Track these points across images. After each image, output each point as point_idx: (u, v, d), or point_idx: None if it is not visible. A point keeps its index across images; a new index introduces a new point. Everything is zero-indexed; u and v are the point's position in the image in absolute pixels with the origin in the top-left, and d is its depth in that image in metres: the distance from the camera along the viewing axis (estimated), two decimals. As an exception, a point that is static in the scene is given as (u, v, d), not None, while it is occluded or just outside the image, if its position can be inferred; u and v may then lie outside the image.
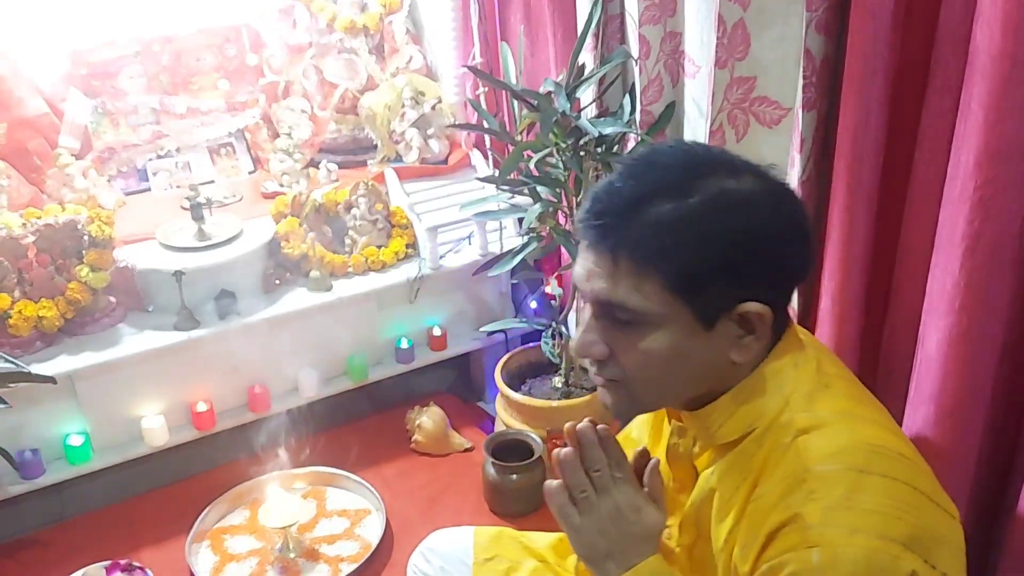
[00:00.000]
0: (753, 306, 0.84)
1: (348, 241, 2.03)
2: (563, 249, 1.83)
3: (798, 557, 0.79)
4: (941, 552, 0.79)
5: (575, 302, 1.90)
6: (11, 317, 1.66)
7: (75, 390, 1.71)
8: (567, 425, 0.95)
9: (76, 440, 1.73)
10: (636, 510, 0.93)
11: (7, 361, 1.46)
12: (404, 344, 2.05)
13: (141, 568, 1.66)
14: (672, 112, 1.65)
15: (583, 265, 0.88)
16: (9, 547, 1.73)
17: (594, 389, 1.95)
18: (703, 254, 0.83)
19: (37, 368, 1.62)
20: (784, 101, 1.37)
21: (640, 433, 1.13)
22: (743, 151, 1.44)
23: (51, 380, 1.55)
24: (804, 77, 1.24)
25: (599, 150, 1.66)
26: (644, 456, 0.98)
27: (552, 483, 0.95)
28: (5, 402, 1.39)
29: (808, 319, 1.40)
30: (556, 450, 0.96)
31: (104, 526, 1.78)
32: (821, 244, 1.31)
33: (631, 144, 1.71)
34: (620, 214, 0.84)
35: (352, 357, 2.00)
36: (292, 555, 1.69)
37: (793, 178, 1.34)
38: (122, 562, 1.67)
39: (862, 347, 1.32)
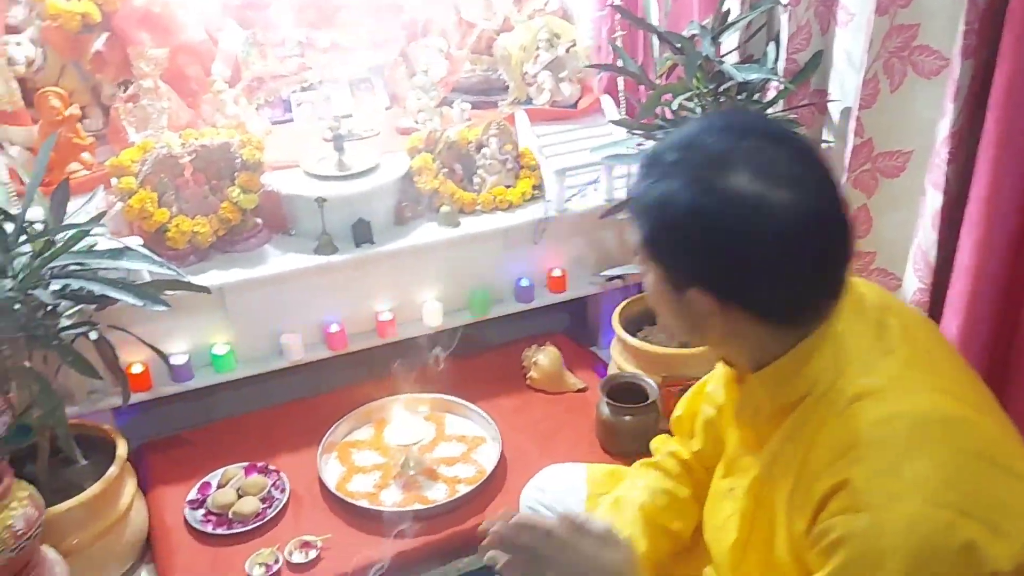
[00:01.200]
0: (696, 295, 0.86)
1: (477, 180, 2.08)
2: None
3: (845, 522, 0.80)
4: (1014, 520, 0.77)
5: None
6: (169, 231, 1.78)
7: (224, 303, 1.83)
8: (481, 527, 1.04)
9: (222, 349, 1.86)
10: (593, 559, 0.98)
11: (169, 269, 1.57)
12: (524, 283, 2.10)
13: (276, 471, 1.79)
14: (819, 61, 1.62)
15: None
16: (160, 443, 1.89)
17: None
18: (663, 234, 0.88)
19: (193, 280, 1.74)
20: (946, 51, 1.33)
21: (715, 388, 1.15)
22: (897, 102, 1.43)
23: (206, 290, 1.66)
24: (966, 23, 1.20)
25: (740, 96, 1.64)
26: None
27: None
28: (167, 304, 1.50)
29: (945, 271, 1.36)
30: (488, 555, 1.03)
31: (244, 431, 1.92)
32: (963, 198, 1.27)
33: (771, 93, 1.68)
34: (642, 169, 0.90)
35: (475, 292, 2.06)
36: (412, 472, 1.78)
37: (944, 128, 1.30)
38: (259, 464, 1.80)
39: (1002, 300, 1.28)
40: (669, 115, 1.68)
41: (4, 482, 1.22)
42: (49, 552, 1.36)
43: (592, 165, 2.03)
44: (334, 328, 1.94)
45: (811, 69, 1.62)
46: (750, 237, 0.82)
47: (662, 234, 0.88)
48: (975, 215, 1.24)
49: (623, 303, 2.06)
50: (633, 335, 1.96)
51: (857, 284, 0.92)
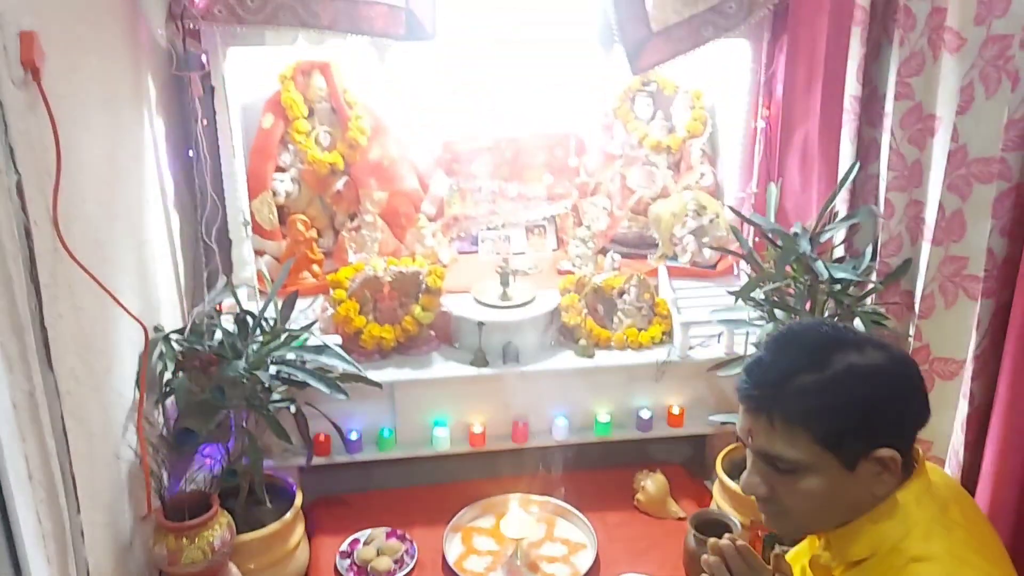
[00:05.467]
0: (885, 452, 1.10)
1: (616, 320, 2.44)
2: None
3: None
4: None
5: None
6: (363, 335, 2.29)
7: (393, 395, 2.30)
8: (711, 541, 1.23)
9: (387, 432, 2.32)
10: None
11: (353, 366, 2.05)
12: (645, 415, 2.41)
13: (411, 540, 2.19)
14: (908, 267, 1.84)
15: (744, 424, 1.16)
16: (325, 501, 2.35)
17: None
18: (841, 416, 1.09)
19: (372, 375, 2.21)
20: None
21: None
22: (949, 317, 1.64)
23: (377, 385, 2.13)
24: (985, 271, 1.42)
25: (835, 287, 1.90)
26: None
27: None
28: (347, 395, 1.98)
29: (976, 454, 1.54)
30: (704, 557, 1.23)
31: (391, 501, 2.35)
32: (988, 409, 1.46)
33: (871, 285, 1.92)
34: (771, 385, 1.12)
35: (599, 416, 2.40)
36: (519, 563, 2.12)
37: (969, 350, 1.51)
38: (399, 532, 2.22)
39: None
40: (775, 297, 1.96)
41: (213, 508, 1.71)
42: (233, 568, 1.84)
43: (713, 323, 2.33)
44: (477, 429, 2.34)
45: (900, 273, 1.84)
46: (892, 392, 1.10)
47: (835, 420, 1.07)
48: (997, 432, 1.42)
49: (731, 446, 2.30)
50: (736, 477, 2.20)
51: (931, 470, 1.17)
